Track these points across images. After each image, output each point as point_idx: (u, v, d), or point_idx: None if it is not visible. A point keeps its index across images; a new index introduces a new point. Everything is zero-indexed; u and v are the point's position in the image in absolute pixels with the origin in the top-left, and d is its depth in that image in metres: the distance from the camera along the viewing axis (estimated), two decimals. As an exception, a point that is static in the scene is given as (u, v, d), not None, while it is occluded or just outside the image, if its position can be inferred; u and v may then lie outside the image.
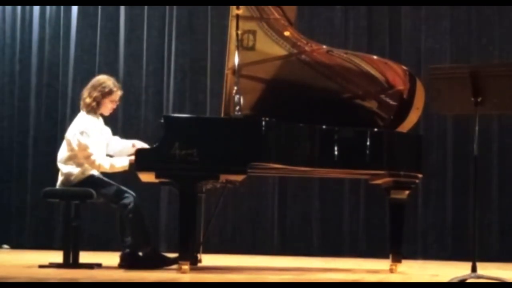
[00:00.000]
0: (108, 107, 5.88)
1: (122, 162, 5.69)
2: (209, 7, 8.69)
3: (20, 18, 9.03)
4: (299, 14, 6.34)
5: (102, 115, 5.93)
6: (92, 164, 5.71)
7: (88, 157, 5.70)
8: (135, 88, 8.79)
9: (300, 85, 5.98)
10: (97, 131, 5.83)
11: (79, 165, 5.77)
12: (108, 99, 5.84)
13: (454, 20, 8.42)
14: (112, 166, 5.70)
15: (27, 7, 9.03)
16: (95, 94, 5.80)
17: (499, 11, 8.34)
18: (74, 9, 8.92)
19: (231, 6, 5.62)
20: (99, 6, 8.88)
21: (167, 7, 8.81)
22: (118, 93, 5.90)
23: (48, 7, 8.98)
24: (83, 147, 5.70)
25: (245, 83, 5.66)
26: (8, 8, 9.04)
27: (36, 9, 9.00)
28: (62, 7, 8.93)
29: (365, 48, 8.28)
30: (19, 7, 9.03)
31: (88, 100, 5.81)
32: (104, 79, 5.89)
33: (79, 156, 5.74)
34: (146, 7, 8.82)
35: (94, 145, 5.73)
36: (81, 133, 5.72)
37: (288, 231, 8.54)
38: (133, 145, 5.86)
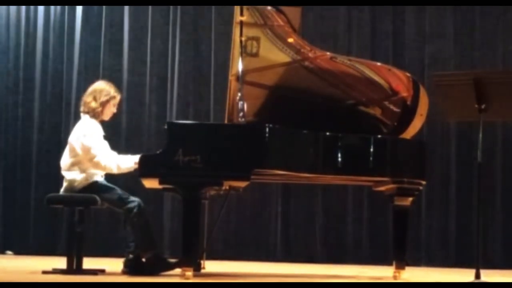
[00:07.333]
0: (110, 111, 5.96)
1: (127, 163, 5.72)
2: (213, 13, 8.69)
3: (24, 24, 9.04)
4: (303, 21, 6.34)
5: (102, 121, 5.96)
6: (98, 165, 5.73)
7: (92, 158, 5.72)
8: (139, 95, 8.80)
9: (303, 91, 5.98)
10: (100, 135, 5.86)
11: (83, 170, 5.77)
12: (112, 102, 5.93)
13: (458, 26, 8.42)
14: (118, 167, 5.73)
15: (32, 14, 9.03)
16: (102, 98, 5.86)
17: (503, 16, 8.33)
18: (78, 15, 8.93)
19: (235, 12, 5.63)
20: (103, 14, 8.88)
21: (171, 12, 8.81)
22: (118, 97, 6.02)
23: (52, 14, 8.99)
24: (87, 149, 5.73)
25: (248, 89, 5.67)
26: (13, 14, 9.05)
27: (41, 15, 9.01)
28: (66, 13, 8.94)
29: (368, 55, 8.29)
30: (23, 14, 9.04)
31: (93, 105, 5.86)
32: (105, 85, 5.99)
33: (84, 160, 5.75)
34: (150, 14, 8.83)
35: (98, 147, 5.75)
36: (85, 135, 5.75)
37: (291, 238, 8.53)
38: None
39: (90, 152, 5.72)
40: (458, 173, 8.25)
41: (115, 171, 5.75)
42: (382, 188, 5.88)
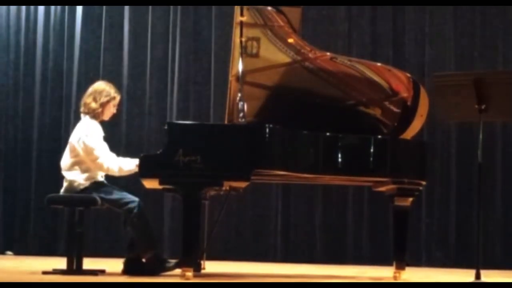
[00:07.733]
0: (110, 111, 5.96)
1: (129, 166, 5.72)
2: (213, 13, 8.70)
3: (24, 24, 9.04)
4: (303, 21, 6.34)
5: (102, 122, 5.96)
6: (101, 167, 5.73)
7: (95, 160, 5.72)
8: (139, 95, 8.80)
9: (303, 92, 5.98)
10: (101, 136, 5.87)
11: (84, 171, 5.77)
12: (112, 103, 5.93)
13: (458, 27, 8.42)
14: (120, 169, 5.73)
15: (32, 14, 9.04)
16: (102, 99, 5.86)
17: (503, 18, 8.33)
18: (78, 15, 8.93)
19: (235, 12, 5.63)
20: (103, 14, 8.89)
21: (171, 13, 8.82)
22: (118, 98, 6.01)
23: (52, 14, 8.99)
24: (90, 151, 5.72)
25: (249, 90, 5.67)
26: (13, 14, 9.05)
27: (41, 15, 9.01)
28: (66, 14, 8.94)
29: (368, 55, 8.29)
30: (23, 14, 9.04)
31: (94, 105, 5.86)
32: (105, 86, 5.98)
33: (86, 160, 5.75)
34: (150, 14, 8.83)
35: (100, 148, 5.75)
36: (87, 136, 5.75)
37: (291, 238, 8.53)
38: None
39: (93, 154, 5.72)
40: (458, 173, 8.25)
41: (117, 173, 5.76)
42: (382, 189, 5.88)
